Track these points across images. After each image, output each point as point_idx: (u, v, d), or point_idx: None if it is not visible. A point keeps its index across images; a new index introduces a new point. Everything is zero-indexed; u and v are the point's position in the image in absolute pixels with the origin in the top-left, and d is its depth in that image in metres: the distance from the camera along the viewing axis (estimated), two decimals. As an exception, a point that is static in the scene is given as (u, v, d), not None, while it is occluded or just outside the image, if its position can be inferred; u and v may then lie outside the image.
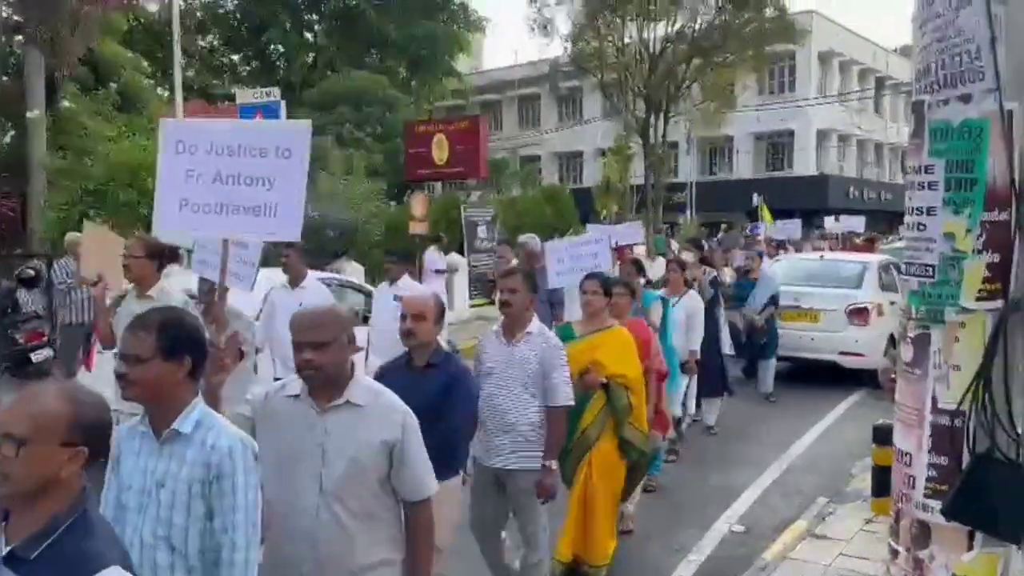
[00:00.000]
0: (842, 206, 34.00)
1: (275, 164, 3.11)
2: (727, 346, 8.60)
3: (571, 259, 6.19)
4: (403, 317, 3.49)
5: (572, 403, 4.05)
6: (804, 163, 37.79)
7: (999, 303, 2.16)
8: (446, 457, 3.21)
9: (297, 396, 2.60)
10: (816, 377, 10.07)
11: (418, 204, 13.75)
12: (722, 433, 7.92)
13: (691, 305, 7.15)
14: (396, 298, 6.20)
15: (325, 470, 2.51)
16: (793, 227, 19.53)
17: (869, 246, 17.47)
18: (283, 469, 2.45)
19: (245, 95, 10.15)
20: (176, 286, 4.99)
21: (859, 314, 9.76)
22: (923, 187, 2.28)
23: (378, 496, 2.56)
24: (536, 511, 4.06)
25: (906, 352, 2.36)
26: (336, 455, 2.52)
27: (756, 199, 30.17)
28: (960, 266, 2.19)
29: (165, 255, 4.99)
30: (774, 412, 8.83)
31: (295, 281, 6.03)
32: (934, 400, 2.26)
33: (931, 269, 2.25)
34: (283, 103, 9.63)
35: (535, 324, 4.06)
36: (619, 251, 12.19)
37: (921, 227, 2.29)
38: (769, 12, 26.02)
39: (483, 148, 16.57)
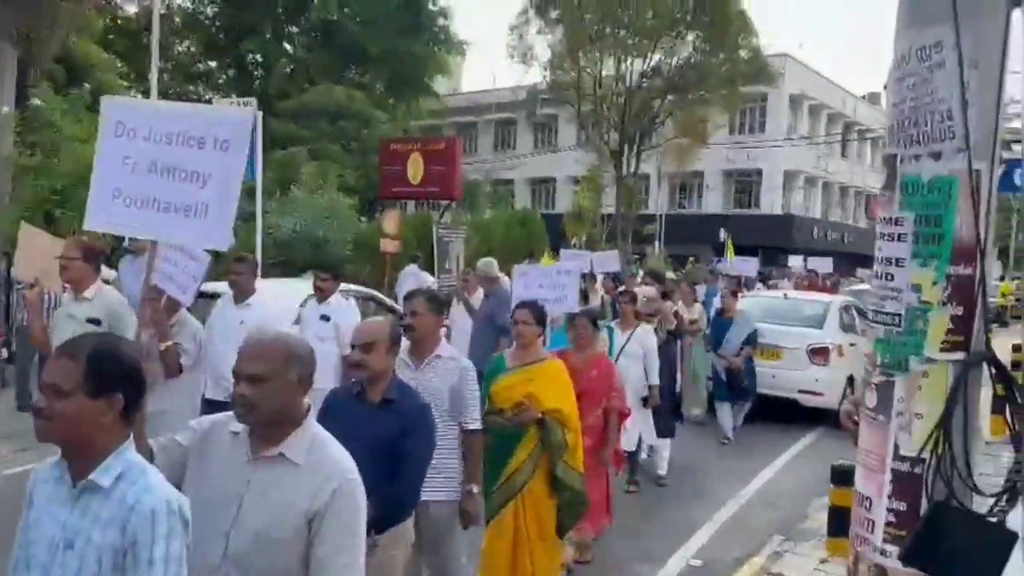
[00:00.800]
0: (807, 246, 34.72)
1: (212, 157, 2.87)
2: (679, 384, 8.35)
3: (538, 287, 6.09)
4: (352, 347, 3.27)
5: (480, 427, 3.90)
6: (771, 202, 38.53)
7: (961, 355, 2.22)
8: (399, 503, 3.05)
9: (237, 434, 2.26)
10: (775, 414, 10.18)
11: (390, 221, 13.75)
12: (679, 468, 7.87)
13: (646, 339, 6.86)
14: (324, 317, 6.07)
15: (234, 531, 2.14)
16: (749, 265, 18.96)
17: (829, 287, 17.81)
18: (197, 516, 1.91)
19: (222, 104, 10.06)
20: (113, 290, 4.84)
21: (820, 353, 9.93)
22: (893, 238, 2.35)
23: None
24: (455, 545, 3.88)
25: (870, 398, 2.41)
26: (249, 516, 2.14)
27: (723, 234, 30.72)
28: (926, 317, 2.26)
29: (101, 256, 4.94)
30: (732, 449, 8.91)
31: (240, 297, 5.58)
32: (896, 447, 2.31)
33: (898, 318, 2.32)
34: (259, 114, 9.54)
35: (444, 347, 3.90)
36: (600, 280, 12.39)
37: (889, 276, 2.35)
38: (744, 54, 26.62)
39: (458, 169, 16.65)
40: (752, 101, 34.85)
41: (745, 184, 39.80)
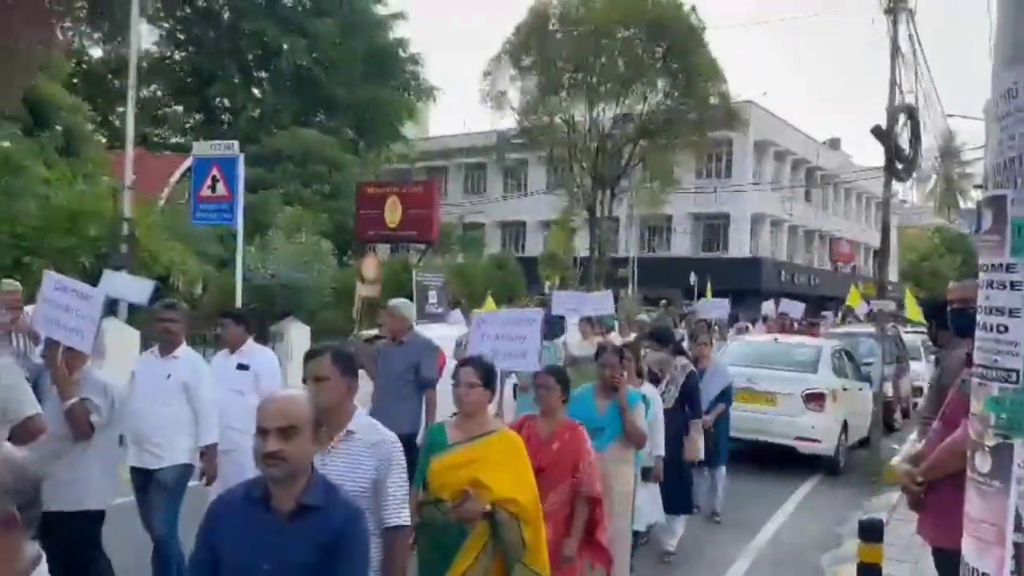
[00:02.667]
0: (775, 288, 35.05)
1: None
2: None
3: (495, 338, 5.26)
4: (261, 432, 2.30)
5: (408, 523, 2.99)
6: (739, 245, 38.97)
7: (1092, 415, 2.01)
8: None
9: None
10: (768, 461, 9.96)
11: (369, 266, 13.47)
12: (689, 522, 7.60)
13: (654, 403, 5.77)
14: (242, 366, 5.43)
15: None
16: (721, 307, 17.82)
17: (812, 330, 17.54)
18: None
19: (202, 147, 9.75)
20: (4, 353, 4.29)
21: (815, 399, 9.77)
22: (1004, 286, 2.15)
23: None
24: None
25: (982, 463, 2.18)
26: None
27: (693, 277, 30.90)
28: (1048, 373, 2.04)
29: None
30: (731, 500, 8.47)
31: (167, 348, 4.98)
32: (1018, 517, 2.08)
33: (1015, 374, 2.10)
34: (241, 156, 9.27)
35: (359, 420, 2.98)
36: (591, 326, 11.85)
37: (1002, 328, 2.14)
38: (713, 100, 27.07)
39: (436, 212, 16.52)
40: (719, 146, 35.42)
41: (714, 228, 40.27)
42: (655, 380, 6.43)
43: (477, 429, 3.51)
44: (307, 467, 2.34)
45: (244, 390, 5.28)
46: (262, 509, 2.29)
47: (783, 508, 8.46)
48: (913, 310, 12.11)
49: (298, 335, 12.46)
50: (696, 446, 6.59)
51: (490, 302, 13.47)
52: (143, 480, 4.83)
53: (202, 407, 4.85)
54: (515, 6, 44.51)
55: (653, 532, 6.48)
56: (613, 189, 28.35)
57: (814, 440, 9.70)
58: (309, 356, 3.01)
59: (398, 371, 6.04)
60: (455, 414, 3.67)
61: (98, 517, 4.10)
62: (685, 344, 9.13)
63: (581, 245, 30.41)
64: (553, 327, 9.57)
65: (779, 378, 10.02)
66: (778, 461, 9.88)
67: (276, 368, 5.52)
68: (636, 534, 5.64)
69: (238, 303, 9.41)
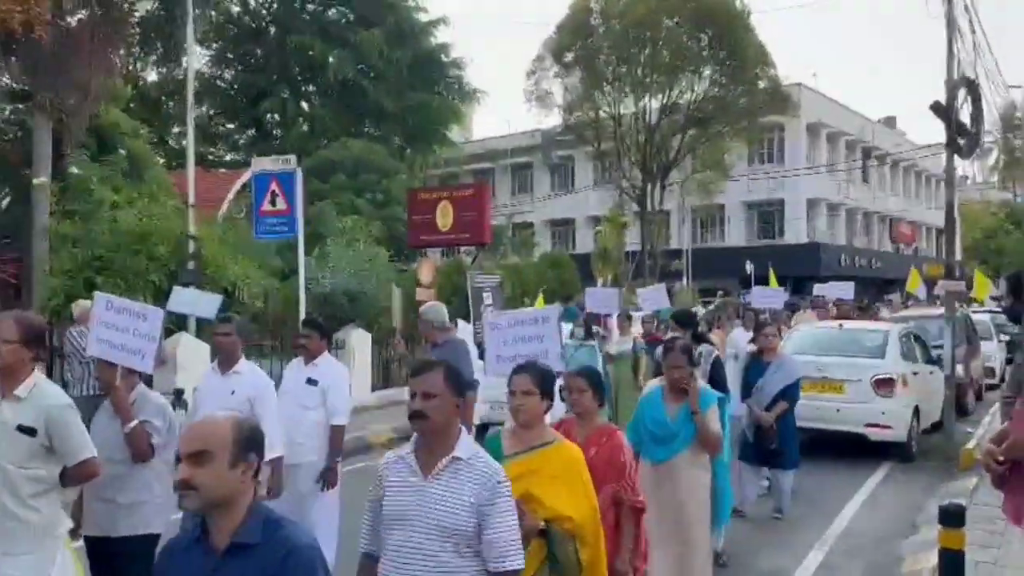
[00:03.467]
0: (834, 274, 34.24)
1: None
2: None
3: (514, 341, 4.96)
4: (176, 458, 2.13)
5: (520, 567, 2.70)
6: (795, 231, 38.27)
7: None
8: None
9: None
10: (839, 450, 9.77)
11: (425, 271, 13.65)
12: (758, 512, 7.47)
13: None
14: (311, 381, 5.28)
15: None
16: (776, 296, 16.18)
17: (866, 315, 16.67)
18: None
19: (261, 162, 10.02)
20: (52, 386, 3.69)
21: (885, 385, 9.55)
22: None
23: None
24: None
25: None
26: None
27: (749, 267, 30.46)
28: None
29: (42, 338, 3.76)
30: (803, 491, 8.28)
31: (227, 364, 4.92)
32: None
33: (1108, 352, 2.06)
34: (299, 170, 9.49)
35: (466, 445, 2.69)
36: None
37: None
38: (762, 84, 26.65)
39: (487, 214, 16.60)
40: (770, 132, 34.84)
41: (768, 215, 39.62)
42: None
43: (534, 440, 3.30)
44: (234, 498, 2.04)
45: (311, 405, 5.19)
46: (201, 547, 2.10)
47: (856, 497, 8.30)
48: (981, 289, 11.75)
49: (359, 342, 12.70)
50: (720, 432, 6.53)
51: (540, 301, 13.21)
52: None
53: (267, 421, 4.77)
54: (556, 4, 44.59)
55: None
56: (663, 181, 28.14)
57: (885, 426, 9.48)
58: (418, 370, 2.72)
59: None
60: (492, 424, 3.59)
61: (157, 538, 3.98)
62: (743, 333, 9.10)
63: (632, 240, 30.26)
64: (589, 327, 9.55)
65: (846, 365, 9.82)
66: (850, 450, 9.70)
67: (345, 383, 5.44)
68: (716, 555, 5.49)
69: (301, 313, 9.62)
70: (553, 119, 30.13)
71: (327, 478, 5.21)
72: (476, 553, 2.60)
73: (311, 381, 5.28)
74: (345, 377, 5.55)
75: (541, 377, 3.34)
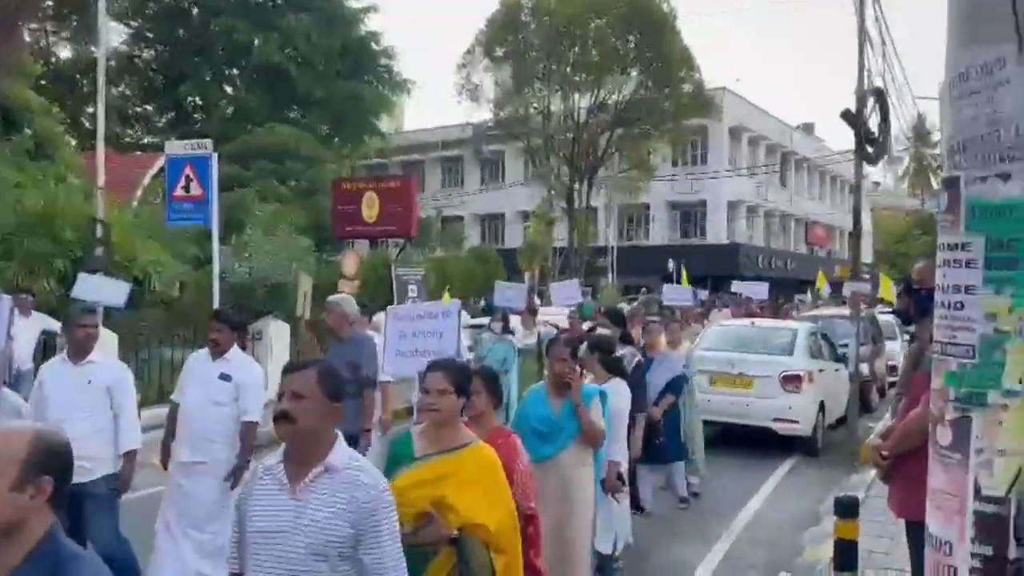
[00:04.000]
0: (752, 273, 35.33)
1: None
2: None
3: (414, 335, 4.80)
4: None
5: None
6: (716, 232, 39.27)
7: (1044, 386, 2.09)
8: None
9: None
10: (747, 443, 10.10)
11: (349, 262, 13.45)
12: (665, 504, 7.62)
13: (616, 400, 5.09)
14: (224, 376, 5.03)
15: None
16: (685, 294, 16.90)
17: (774, 313, 17.17)
18: None
19: (175, 146, 9.66)
20: None
21: (792, 381, 9.91)
22: (959, 264, 2.22)
23: None
24: None
25: (943, 435, 2.26)
26: None
27: (671, 265, 31.11)
28: (1003, 347, 2.13)
29: None
30: (711, 484, 8.54)
31: (81, 354, 4.79)
32: (977, 487, 2.16)
33: (971, 350, 2.18)
34: (215, 155, 9.21)
35: (340, 454, 2.41)
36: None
37: (958, 305, 2.22)
38: (686, 88, 27.23)
39: (414, 207, 16.50)
40: (694, 134, 35.64)
41: (690, 215, 40.55)
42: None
43: (449, 441, 3.09)
44: (12, 527, 1.71)
45: (223, 401, 5.02)
46: None
47: (762, 489, 8.58)
48: (887, 291, 12.35)
49: (277, 333, 12.44)
50: (638, 442, 6.31)
51: (447, 297, 12.58)
52: (72, 495, 4.75)
53: (126, 411, 4.76)
54: (488, -2, 44.46)
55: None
56: (590, 179, 28.47)
57: (792, 421, 9.84)
58: (290, 368, 2.49)
59: (341, 367, 5.78)
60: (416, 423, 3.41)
61: None
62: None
63: (560, 236, 30.53)
64: (507, 321, 9.65)
65: (757, 361, 10.15)
66: (758, 443, 10.02)
67: (259, 379, 5.23)
68: (607, 557, 5.16)
69: (215, 303, 9.36)
70: (484, 113, 30.14)
71: (237, 476, 5.09)
72: (358, 573, 2.36)
73: (224, 376, 5.09)
74: (258, 372, 5.37)
75: (456, 374, 3.16)
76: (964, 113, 2.22)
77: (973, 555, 2.17)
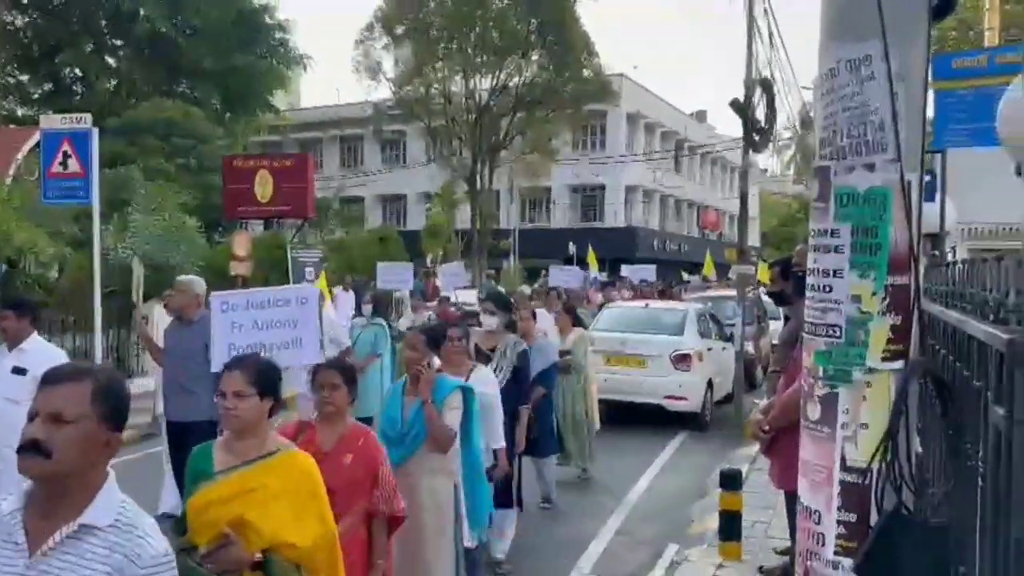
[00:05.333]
0: (649, 256, 36.35)
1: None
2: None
3: (254, 327, 4.25)
4: None
5: None
6: (614, 215, 40.11)
7: (901, 363, 2.25)
8: None
9: None
10: (639, 419, 10.43)
11: (240, 243, 13.00)
12: (562, 481, 7.73)
13: (484, 387, 4.78)
14: (18, 370, 4.50)
15: None
16: (573, 275, 17.01)
17: (666, 295, 17.73)
18: None
19: (51, 120, 9.04)
20: None
21: (683, 360, 10.29)
22: (829, 250, 2.35)
23: None
24: None
25: (813, 410, 2.40)
26: None
27: (572, 248, 31.60)
28: (866, 327, 2.27)
29: None
30: (605, 461, 8.60)
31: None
32: (843, 459, 2.31)
33: (838, 330, 2.32)
34: (95, 130, 8.70)
35: (109, 500, 1.76)
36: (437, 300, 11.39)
37: (827, 288, 2.36)
38: (586, 73, 27.57)
39: (310, 186, 16.00)
40: (594, 119, 36.17)
41: (590, 199, 41.26)
42: (485, 360, 5.49)
43: (253, 451, 2.73)
44: None
45: (20, 399, 4.12)
46: None
47: (655, 464, 8.91)
48: (763, 274, 12.99)
49: (162, 318, 11.90)
50: (523, 433, 5.93)
51: (323, 280, 11.87)
52: None
53: None
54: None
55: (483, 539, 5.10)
56: (492, 161, 28.49)
57: (682, 398, 10.25)
58: (52, 378, 1.82)
59: (189, 352, 5.40)
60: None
61: None
62: None
63: (463, 217, 30.48)
64: (378, 304, 8.89)
65: (649, 341, 10.49)
66: (651, 420, 10.37)
67: None
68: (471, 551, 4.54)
69: (96, 285, 8.89)
70: (383, 91, 29.64)
71: None
72: None
73: (17, 370, 4.49)
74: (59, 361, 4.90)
75: (258, 373, 2.76)
76: (834, 106, 2.35)
77: (839, 522, 2.33)
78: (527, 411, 5.92)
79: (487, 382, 4.84)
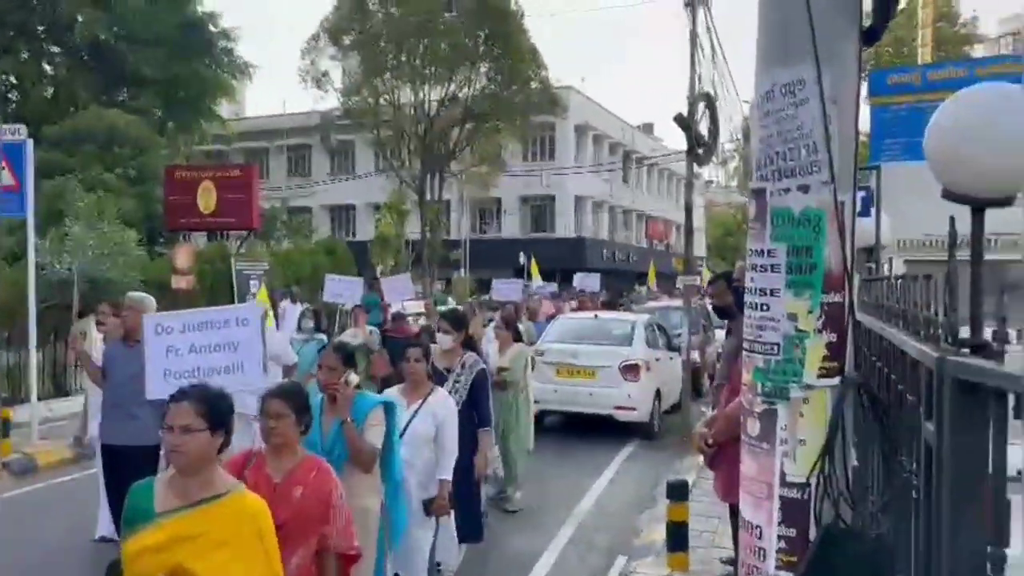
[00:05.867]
0: (599, 266, 36.67)
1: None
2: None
3: (191, 351, 3.99)
4: None
5: None
6: (564, 226, 40.40)
7: (837, 380, 2.31)
8: None
9: None
10: (589, 430, 10.48)
11: (183, 256, 12.74)
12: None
13: (441, 412, 4.62)
14: None
15: None
16: (512, 288, 16.99)
17: (611, 305, 17.75)
18: None
19: (-18, 128, 8.78)
20: None
21: (631, 370, 10.38)
22: (766, 269, 2.41)
23: None
24: None
25: (752, 426, 2.45)
26: None
27: (523, 258, 31.72)
28: (803, 345, 2.33)
29: None
30: (555, 471, 8.75)
31: None
32: (783, 474, 2.35)
33: (775, 347, 2.37)
34: (30, 141, 8.44)
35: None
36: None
37: (764, 307, 2.41)
38: (534, 85, 27.77)
39: (255, 197, 15.82)
40: (543, 131, 36.41)
41: (540, 209, 41.47)
42: (440, 380, 5.19)
43: (199, 491, 2.54)
44: None
45: None
46: None
47: (604, 475, 8.94)
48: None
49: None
50: (486, 458, 5.58)
51: (263, 293, 11.20)
52: None
53: None
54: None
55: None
56: (442, 172, 28.46)
57: (631, 408, 10.33)
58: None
59: (135, 374, 4.97)
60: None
61: None
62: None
63: (413, 228, 30.35)
64: (319, 317, 8.81)
65: (598, 352, 10.57)
66: (601, 430, 10.43)
67: None
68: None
69: (31, 300, 8.60)
70: (331, 101, 29.37)
71: None
72: None
73: None
74: None
75: (209, 406, 2.59)
76: (770, 129, 2.41)
77: (780, 537, 2.37)
78: (488, 434, 5.57)
79: (445, 405, 4.66)
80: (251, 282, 14.19)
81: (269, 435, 3.12)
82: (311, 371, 8.07)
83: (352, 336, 9.34)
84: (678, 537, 5.47)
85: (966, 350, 1.81)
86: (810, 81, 2.28)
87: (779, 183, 2.38)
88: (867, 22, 2.34)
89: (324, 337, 7.83)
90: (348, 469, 3.69)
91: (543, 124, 33.98)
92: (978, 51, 24.97)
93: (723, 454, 4.05)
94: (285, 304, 12.39)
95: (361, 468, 3.76)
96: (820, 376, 2.32)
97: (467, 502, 5.24)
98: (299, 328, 8.70)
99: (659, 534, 6.13)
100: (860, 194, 2.74)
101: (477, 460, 5.37)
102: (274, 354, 7.06)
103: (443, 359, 5.49)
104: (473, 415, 5.33)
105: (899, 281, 2.75)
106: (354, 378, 3.86)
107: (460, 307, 12.47)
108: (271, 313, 7.97)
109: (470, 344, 5.89)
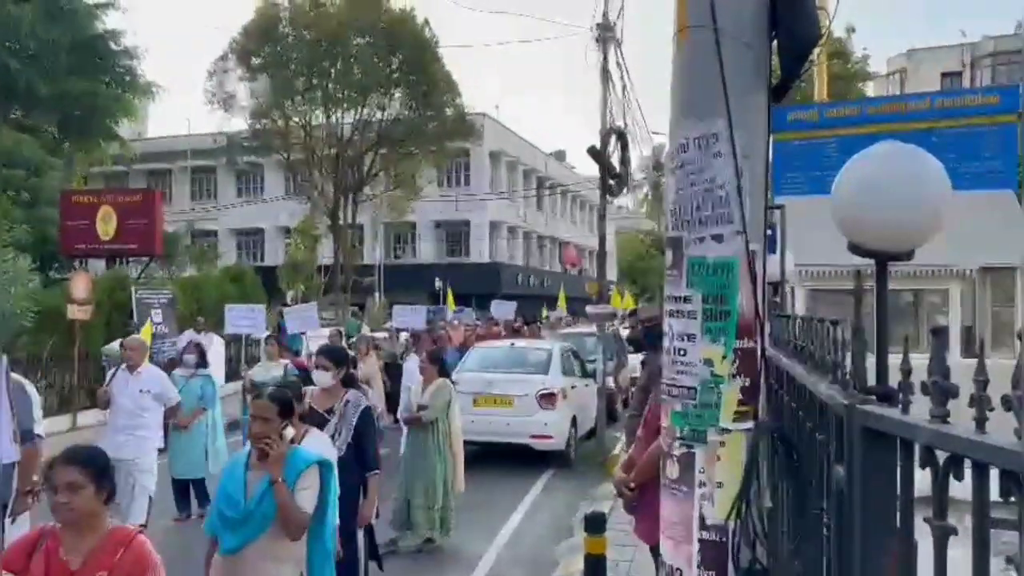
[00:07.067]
0: (514, 291, 36.90)
1: None
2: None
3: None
4: None
5: None
6: (479, 251, 40.53)
7: (751, 424, 2.37)
8: None
9: None
10: (507, 459, 10.45)
11: (80, 285, 12.12)
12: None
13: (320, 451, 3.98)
14: None
15: None
16: (415, 316, 16.94)
17: (520, 332, 17.86)
18: None
19: None
20: None
21: (548, 399, 10.44)
22: (683, 315, 2.46)
23: None
24: None
25: (672, 470, 2.48)
26: None
27: (438, 283, 31.60)
28: (719, 389, 2.38)
29: None
30: (475, 501, 8.49)
31: None
32: (702, 517, 2.39)
33: (693, 392, 2.42)
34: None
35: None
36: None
37: (682, 352, 2.46)
38: (449, 112, 27.85)
39: (159, 223, 15.27)
40: (458, 156, 36.54)
41: (455, 234, 41.50)
42: (320, 421, 4.71)
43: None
44: None
45: None
46: None
47: (521, 505, 8.92)
48: (617, 302, 13.67)
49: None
50: (372, 507, 5.10)
51: (147, 329, 10.79)
52: None
53: None
54: (244, 4, 42.54)
55: None
56: (355, 196, 28.11)
57: (547, 437, 10.37)
58: None
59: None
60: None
61: None
62: None
63: (325, 253, 29.80)
64: (203, 352, 8.30)
65: (515, 380, 10.59)
66: (517, 459, 10.41)
67: None
68: None
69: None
70: (238, 123, 28.67)
71: None
72: None
73: None
74: None
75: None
76: (685, 180, 2.47)
77: (699, 579, 2.40)
78: (376, 478, 5.01)
79: (322, 449, 3.96)
80: (152, 311, 13.58)
81: (61, 512, 2.59)
82: (201, 405, 7.79)
83: (264, 370, 8.91)
84: (596, 570, 5.48)
85: (873, 397, 1.88)
86: (723, 137, 2.36)
87: (694, 232, 2.44)
88: (775, 80, 2.44)
89: (210, 373, 7.55)
90: (272, 532, 3.38)
91: (458, 150, 34.10)
92: (869, 88, 26.56)
93: (644, 496, 4.08)
94: (200, 336, 11.87)
95: (289, 535, 3.40)
96: (735, 420, 2.37)
97: (352, 554, 4.76)
98: (181, 363, 8.10)
99: (577, 565, 6.14)
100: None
101: (365, 510, 4.94)
102: (157, 392, 6.78)
103: (322, 400, 4.94)
104: (360, 460, 4.87)
105: (805, 323, 2.85)
106: (290, 432, 3.54)
107: (358, 339, 12.08)
108: (149, 351, 7.53)
109: (351, 381, 5.27)
